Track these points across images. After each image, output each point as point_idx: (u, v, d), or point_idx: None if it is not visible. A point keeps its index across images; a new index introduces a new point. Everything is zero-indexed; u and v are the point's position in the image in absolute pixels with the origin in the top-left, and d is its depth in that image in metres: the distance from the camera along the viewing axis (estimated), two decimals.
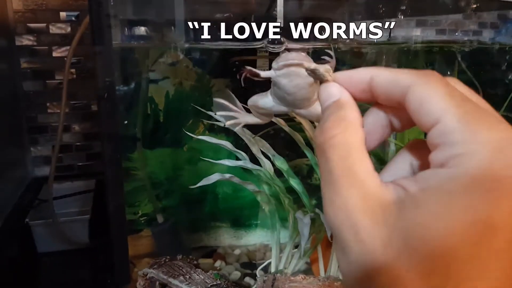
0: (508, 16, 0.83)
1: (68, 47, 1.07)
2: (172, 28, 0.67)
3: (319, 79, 0.23)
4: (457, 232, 0.16)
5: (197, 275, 0.62)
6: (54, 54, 1.10)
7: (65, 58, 0.92)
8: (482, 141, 0.17)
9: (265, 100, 0.43)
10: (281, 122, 0.62)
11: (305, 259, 0.68)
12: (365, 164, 0.19)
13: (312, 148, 0.64)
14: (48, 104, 1.12)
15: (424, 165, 0.20)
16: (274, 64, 0.39)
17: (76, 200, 1.01)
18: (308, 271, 0.75)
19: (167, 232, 0.79)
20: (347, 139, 0.19)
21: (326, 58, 0.37)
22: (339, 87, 0.22)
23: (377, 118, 0.22)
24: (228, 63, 0.86)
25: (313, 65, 0.23)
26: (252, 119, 0.45)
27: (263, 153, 0.65)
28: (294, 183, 0.65)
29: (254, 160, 0.65)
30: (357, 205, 0.18)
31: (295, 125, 0.64)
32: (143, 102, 0.74)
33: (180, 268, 0.63)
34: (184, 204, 0.84)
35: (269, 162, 0.64)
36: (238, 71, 0.89)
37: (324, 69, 0.23)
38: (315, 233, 0.66)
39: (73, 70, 1.11)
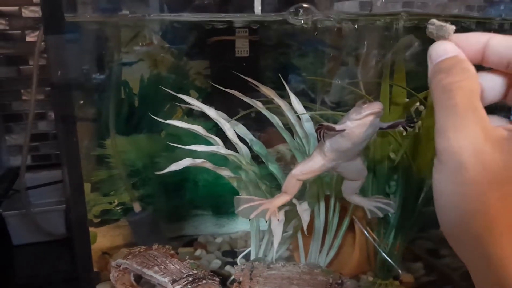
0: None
1: None
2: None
3: (439, 37, 0.25)
4: None
5: (173, 265, 0.59)
6: (28, 38, 1.06)
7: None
8: None
9: (312, 163, 0.43)
10: (258, 104, 0.59)
11: (285, 247, 0.66)
12: (483, 108, 0.24)
13: (291, 132, 0.61)
14: (22, 91, 1.08)
15: None
16: (353, 115, 0.38)
17: (54, 190, 0.98)
18: (290, 258, 0.73)
19: (145, 222, 0.76)
20: (472, 85, 0.24)
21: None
22: (455, 46, 0.26)
23: (491, 81, 0.26)
24: (206, 43, 0.83)
25: (441, 22, 0.25)
26: (279, 200, 0.46)
27: (241, 138, 0.62)
28: (273, 168, 0.63)
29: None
30: (481, 135, 0.22)
31: (273, 107, 0.61)
32: (115, 86, 0.70)
33: (155, 258, 0.60)
34: (163, 192, 0.81)
35: (246, 147, 0.61)
36: (217, 52, 0.85)
37: (451, 27, 0.25)
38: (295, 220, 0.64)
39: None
